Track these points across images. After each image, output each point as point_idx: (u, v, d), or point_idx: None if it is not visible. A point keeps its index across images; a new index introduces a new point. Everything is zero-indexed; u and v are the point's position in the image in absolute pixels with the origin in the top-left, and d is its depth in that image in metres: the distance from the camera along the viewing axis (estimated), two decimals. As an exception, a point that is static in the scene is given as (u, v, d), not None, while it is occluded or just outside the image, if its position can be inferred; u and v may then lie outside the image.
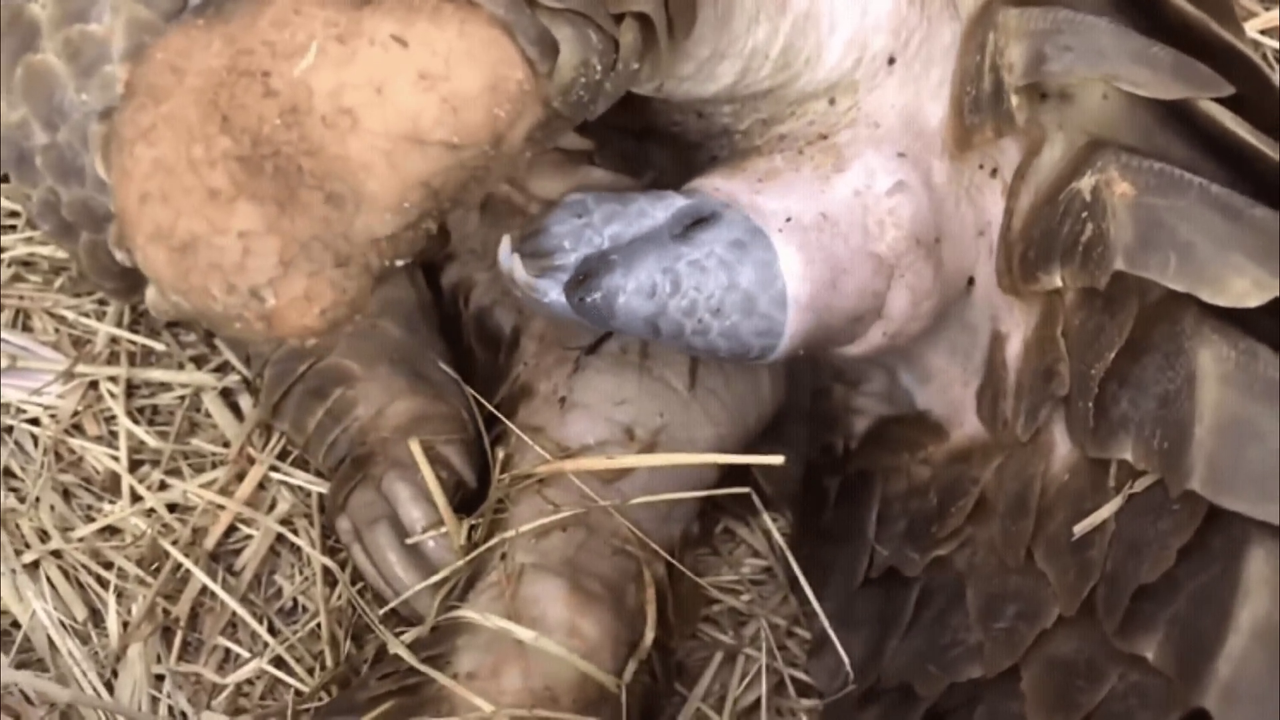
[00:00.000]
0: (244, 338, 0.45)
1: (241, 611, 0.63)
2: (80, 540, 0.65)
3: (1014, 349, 0.57)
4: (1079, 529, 0.50)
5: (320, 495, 0.68)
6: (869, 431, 0.66)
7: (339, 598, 0.64)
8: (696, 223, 0.54)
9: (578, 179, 0.63)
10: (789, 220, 0.55)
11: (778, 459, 0.57)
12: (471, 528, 0.59)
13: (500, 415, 0.62)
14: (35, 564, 0.65)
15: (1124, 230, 0.48)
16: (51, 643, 0.62)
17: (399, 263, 0.45)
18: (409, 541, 0.60)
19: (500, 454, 0.61)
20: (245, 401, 0.73)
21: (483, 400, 0.64)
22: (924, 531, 0.58)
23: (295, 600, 0.66)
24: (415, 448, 0.59)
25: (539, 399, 0.64)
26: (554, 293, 0.51)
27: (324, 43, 0.42)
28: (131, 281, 0.67)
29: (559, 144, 0.62)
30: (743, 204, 0.55)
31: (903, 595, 0.58)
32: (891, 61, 0.58)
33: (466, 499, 0.63)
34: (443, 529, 0.59)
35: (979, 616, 0.54)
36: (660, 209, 0.54)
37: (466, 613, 0.55)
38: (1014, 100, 0.53)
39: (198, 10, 0.44)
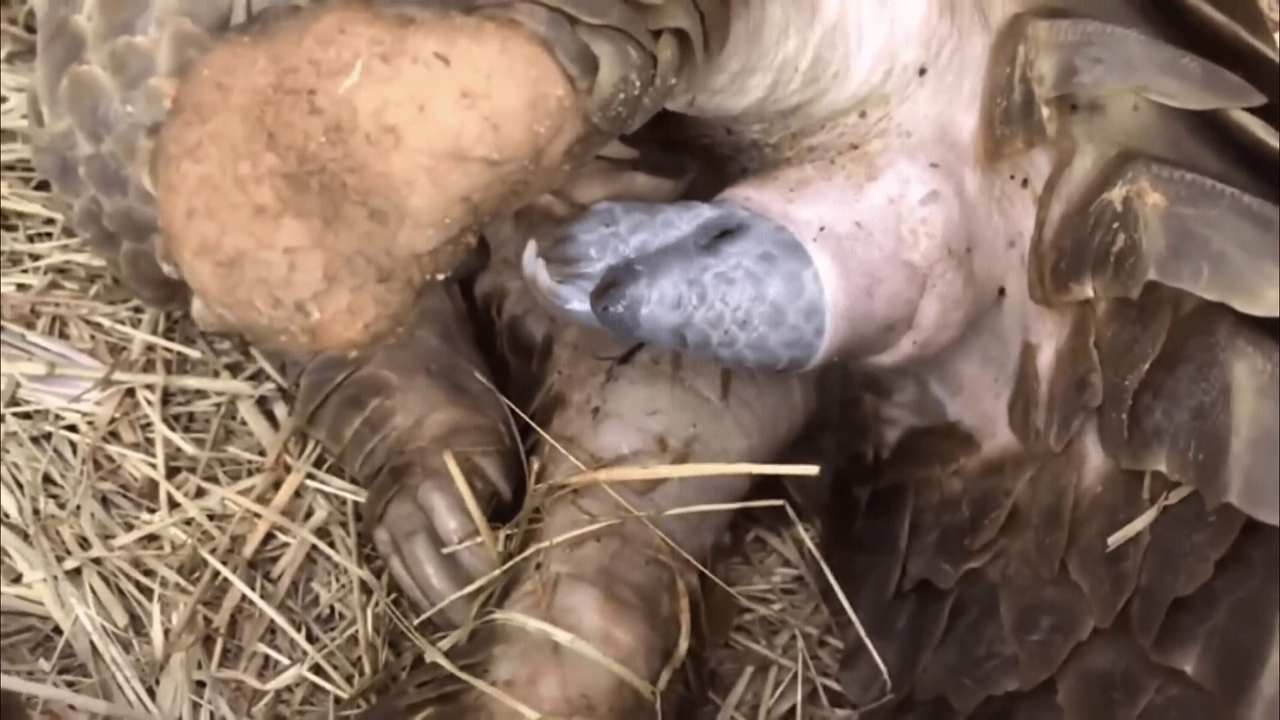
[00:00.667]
0: (288, 350, 0.46)
1: (280, 620, 0.64)
2: (121, 548, 0.66)
3: (1046, 359, 0.57)
4: (1113, 540, 0.50)
5: (356, 503, 0.69)
6: (900, 442, 0.66)
7: (375, 605, 0.64)
8: (724, 234, 0.54)
9: (621, 185, 0.63)
10: (822, 229, 0.55)
11: (812, 469, 0.57)
12: (507, 538, 0.60)
13: (535, 426, 0.63)
14: (77, 571, 0.66)
15: (1156, 240, 0.49)
16: (94, 649, 0.63)
17: (440, 276, 0.46)
18: (445, 551, 0.61)
19: (535, 464, 0.61)
20: (280, 409, 0.73)
21: (518, 411, 0.64)
22: (957, 544, 0.59)
23: (332, 608, 0.66)
24: (450, 460, 0.60)
25: (572, 409, 0.64)
26: (576, 300, 0.52)
27: (368, 61, 0.43)
28: (169, 290, 0.68)
29: (603, 153, 0.63)
30: (775, 214, 0.56)
31: (936, 607, 0.59)
32: (923, 72, 0.58)
33: (501, 509, 0.64)
34: (478, 539, 0.60)
35: (1013, 628, 0.54)
36: (687, 220, 0.54)
37: (506, 614, 0.55)
38: (1045, 112, 0.53)
39: (243, 27, 0.45)
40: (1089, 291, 0.52)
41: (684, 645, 0.57)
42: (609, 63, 0.45)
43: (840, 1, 0.57)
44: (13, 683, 0.60)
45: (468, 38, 0.42)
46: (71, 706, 0.61)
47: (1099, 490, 0.53)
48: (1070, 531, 0.53)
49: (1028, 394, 0.58)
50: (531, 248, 0.53)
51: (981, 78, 0.57)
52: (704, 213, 0.55)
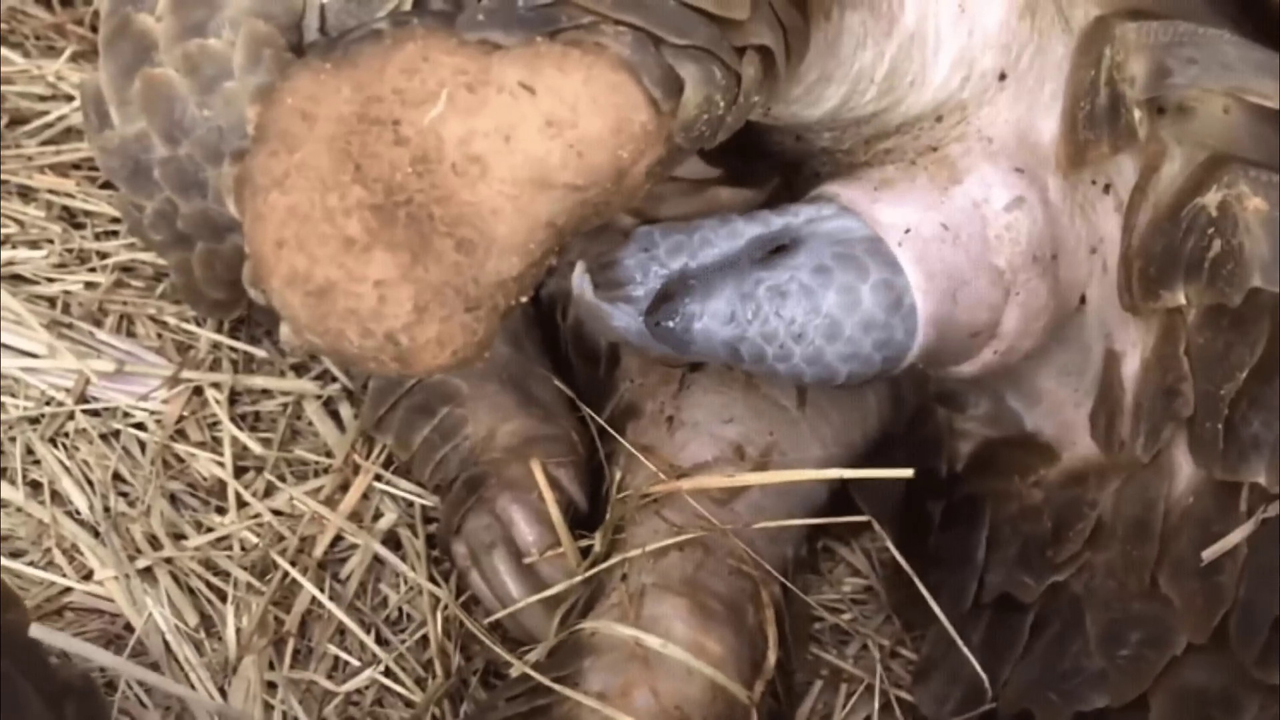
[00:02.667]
0: (375, 374, 0.46)
1: (350, 623, 0.64)
2: (193, 549, 0.66)
3: (1131, 368, 0.56)
4: (1208, 554, 0.50)
5: (424, 506, 0.69)
6: (975, 454, 0.65)
7: (444, 609, 0.64)
8: (779, 249, 0.54)
9: (705, 201, 0.63)
10: (908, 231, 0.55)
11: (906, 471, 0.56)
12: (587, 549, 0.59)
13: (615, 434, 0.62)
14: (148, 569, 0.66)
15: (1259, 245, 0.48)
16: (167, 647, 0.63)
17: (523, 299, 0.46)
18: (526, 562, 0.60)
19: (617, 473, 0.61)
20: (346, 410, 0.73)
21: (599, 420, 0.64)
22: (1039, 556, 0.58)
23: (401, 610, 0.66)
24: (537, 470, 0.60)
25: (646, 418, 0.64)
26: (624, 318, 0.52)
27: (453, 90, 0.43)
28: (237, 294, 0.68)
29: (684, 172, 0.62)
30: (861, 212, 0.55)
31: (1016, 620, 0.58)
32: (1003, 77, 0.57)
33: (577, 520, 0.64)
34: (559, 549, 0.60)
35: (1100, 643, 0.53)
36: (724, 236, 0.54)
37: (595, 624, 0.55)
38: (1136, 115, 0.52)
39: (324, 51, 0.45)
40: (1181, 299, 0.52)
41: (773, 656, 0.57)
42: (694, 84, 0.44)
43: (919, 11, 0.56)
44: (95, 653, 0.59)
45: (552, 66, 0.43)
46: (142, 702, 0.61)
47: (1190, 501, 0.52)
48: (1160, 544, 0.52)
49: (1112, 403, 0.57)
50: (580, 267, 0.53)
51: (1063, 81, 0.56)
52: (747, 229, 0.54)
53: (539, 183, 0.43)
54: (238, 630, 0.63)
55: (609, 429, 0.63)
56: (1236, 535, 0.49)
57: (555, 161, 0.43)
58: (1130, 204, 0.54)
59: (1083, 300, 0.59)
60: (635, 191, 0.46)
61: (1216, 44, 0.51)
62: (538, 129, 0.43)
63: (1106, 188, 0.57)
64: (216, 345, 0.76)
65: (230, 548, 0.67)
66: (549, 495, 0.59)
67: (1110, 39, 0.53)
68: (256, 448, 0.72)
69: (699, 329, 0.51)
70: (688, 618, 0.56)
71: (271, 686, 0.62)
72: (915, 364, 0.57)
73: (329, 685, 0.62)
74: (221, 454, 0.71)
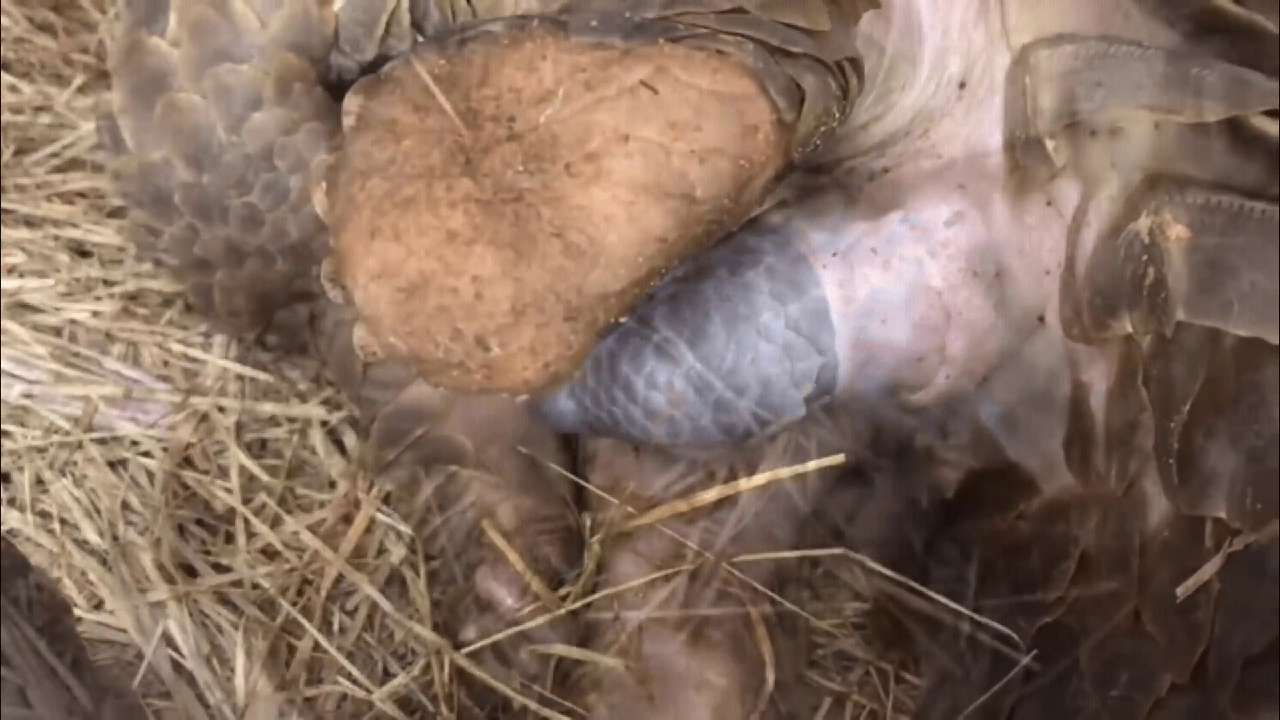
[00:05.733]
0: (457, 388, 0.43)
1: (349, 666, 0.64)
2: (202, 580, 0.67)
3: (1098, 398, 0.55)
4: (1181, 590, 0.48)
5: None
6: (962, 487, 0.64)
7: (444, 657, 0.64)
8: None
9: None
10: (835, 255, 0.54)
11: (838, 458, 0.56)
12: (566, 597, 0.59)
13: (586, 484, 0.62)
14: (159, 602, 0.66)
15: (1181, 279, 0.46)
16: (178, 673, 0.63)
17: (622, 320, 0.44)
18: (516, 630, 0.60)
19: (586, 519, 0.61)
20: (351, 439, 0.74)
21: (576, 478, 0.64)
22: (1029, 593, 0.57)
23: (408, 646, 0.66)
24: (515, 558, 0.60)
25: (613, 448, 0.64)
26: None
27: (570, 88, 0.41)
28: (252, 318, 0.68)
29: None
30: (794, 232, 0.55)
31: (1013, 659, 0.57)
32: (962, 86, 0.57)
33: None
34: (539, 603, 0.60)
35: (1094, 683, 0.53)
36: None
37: (601, 660, 0.55)
38: (1049, 144, 0.52)
39: (438, 46, 0.43)
40: (1127, 327, 0.50)
41: (770, 676, 0.57)
42: (813, 94, 0.43)
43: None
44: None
45: (678, 66, 0.41)
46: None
47: (1165, 535, 0.51)
48: (1140, 579, 0.51)
49: (1084, 434, 0.56)
50: None
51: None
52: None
53: (656, 190, 0.41)
54: (247, 656, 0.64)
55: (570, 475, 0.63)
56: (1206, 570, 0.48)
57: (675, 168, 0.41)
58: (1071, 229, 0.53)
59: (1041, 321, 0.57)
60: (748, 210, 0.45)
61: (1127, 63, 0.49)
62: (659, 131, 0.41)
63: (1049, 202, 0.55)
64: (223, 372, 0.76)
65: (240, 582, 0.68)
66: (537, 584, 0.59)
67: (1029, 68, 0.52)
68: (264, 475, 0.72)
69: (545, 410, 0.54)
70: (688, 652, 0.56)
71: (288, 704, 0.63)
72: (867, 391, 0.56)
73: (336, 717, 0.62)
74: (228, 481, 0.72)
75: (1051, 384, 0.58)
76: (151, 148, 0.63)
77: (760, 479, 0.59)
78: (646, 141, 0.41)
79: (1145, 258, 0.48)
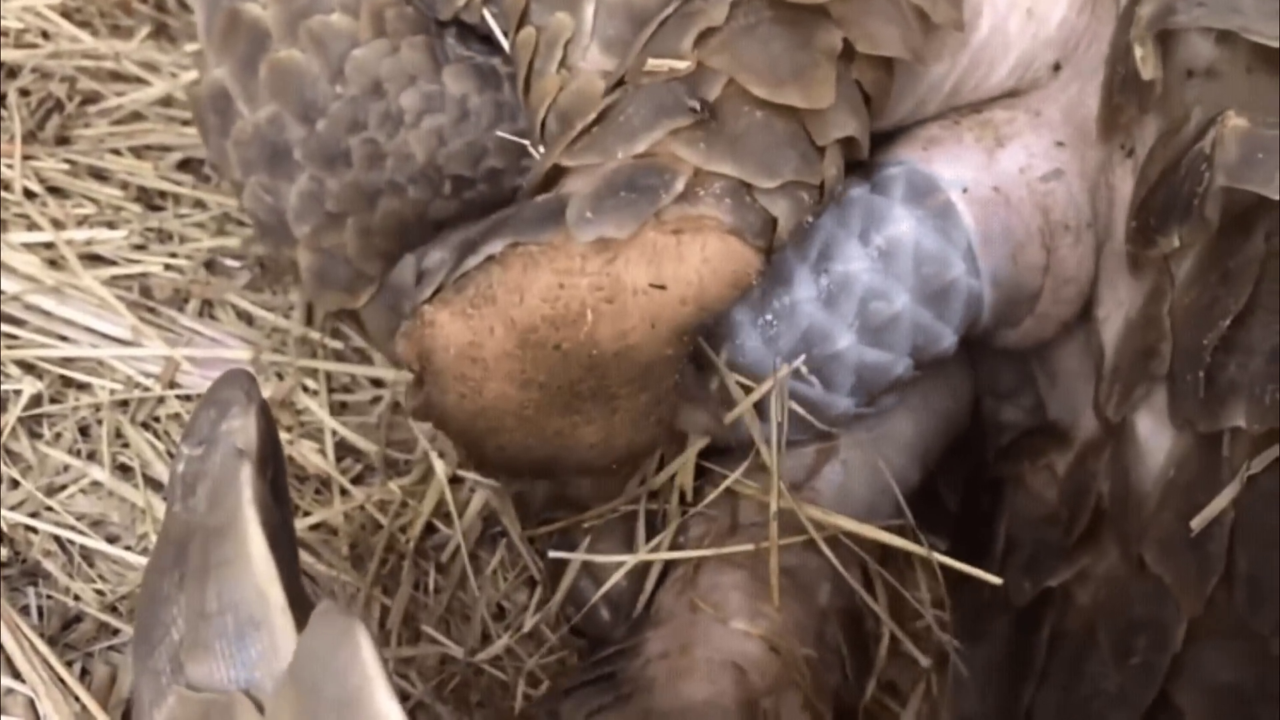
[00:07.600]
0: None
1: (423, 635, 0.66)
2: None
3: (1112, 330, 0.57)
4: (1196, 523, 0.49)
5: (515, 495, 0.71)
6: (1004, 446, 0.66)
7: (544, 594, 0.66)
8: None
9: None
10: (965, 191, 0.57)
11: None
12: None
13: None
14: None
15: (1228, 153, 0.48)
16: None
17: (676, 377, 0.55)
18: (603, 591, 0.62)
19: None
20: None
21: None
22: (1049, 554, 0.58)
23: (501, 605, 0.68)
24: None
25: None
26: None
27: (596, 305, 0.50)
28: (388, 264, 0.68)
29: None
30: (917, 165, 0.57)
31: (1033, 640, 0.58)
32: (1057, 68, 0.59)
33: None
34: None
35: (1113, 656, 0.53)
36: None
37: (659, 597, 0.57)
38: (1139, 52, 0.53)
39: (453, 289, 0.51)
40: (1175, 242, 0.52)
41: (831, 631, 0.58)
42: (785, 217, 0.51)
43: (992, 21, 0.58)
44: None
45: (673, 261, 0.50)
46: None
47: (1172, 474, 0.52)
48: (1145, 522, 0.52)
49: (1097, 368, 0.58)
50: None
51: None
52: None
53: (677, 334, 0.51)
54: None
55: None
56: (1223, 497, 0.48)
57: (691, 322, 0.51)
58: (1145, 162, 0.55)
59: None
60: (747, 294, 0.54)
61: None
62: (674, 309, 0.50)
63: (1130, 152, 0.58)
64: (305, 339, 0.77)
65: (333, 534, 0.69)
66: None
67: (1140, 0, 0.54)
68: (351, 437, 0.73)
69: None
70: (746, 586, 0.57)
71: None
72: (986, 323, 0.59)
73: (436, 669, 0.64)
74: (313, 442, 0.72)
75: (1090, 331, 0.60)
76: (260, 107, 0.64)
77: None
78: (668, 320, 0.51)
79: (1204, 167, 0.50)
